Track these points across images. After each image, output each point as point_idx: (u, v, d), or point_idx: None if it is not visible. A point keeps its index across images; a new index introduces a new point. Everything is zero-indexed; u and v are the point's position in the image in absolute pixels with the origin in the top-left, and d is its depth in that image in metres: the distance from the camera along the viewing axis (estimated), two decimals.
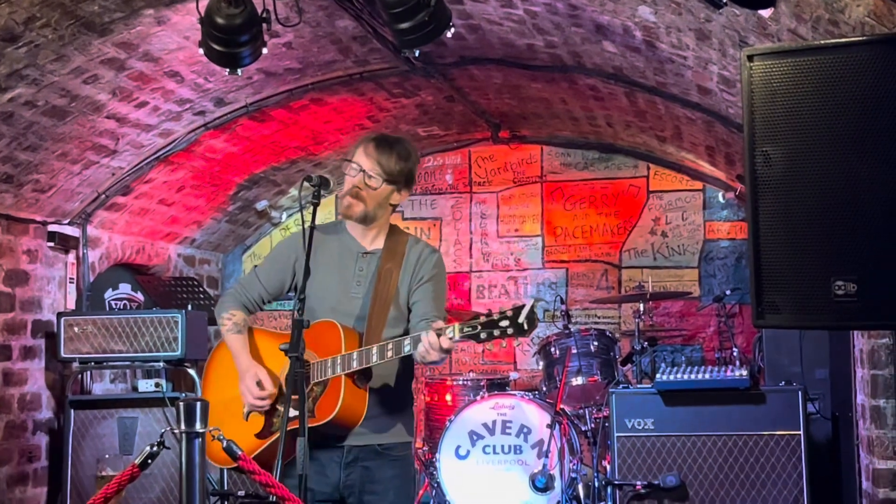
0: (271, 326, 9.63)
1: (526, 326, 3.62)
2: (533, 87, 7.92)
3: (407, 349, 3.82)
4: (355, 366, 3.90)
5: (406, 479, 4.21)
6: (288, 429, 3.78)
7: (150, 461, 3.35)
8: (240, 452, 3.34)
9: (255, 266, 4.52)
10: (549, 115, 8.88)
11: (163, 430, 3.34)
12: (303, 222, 3.93)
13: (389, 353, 3.85)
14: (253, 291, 4.35)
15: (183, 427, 3.20)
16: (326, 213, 9.68)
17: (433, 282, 4.18)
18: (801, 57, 3.16)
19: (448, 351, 3.73)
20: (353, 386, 3.95)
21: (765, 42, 5.05)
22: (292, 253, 4.28)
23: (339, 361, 3.92)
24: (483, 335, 3.65)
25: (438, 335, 3.70)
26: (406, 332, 4.12)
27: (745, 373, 6.24)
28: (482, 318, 3.66)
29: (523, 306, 3.62)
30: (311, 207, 3.94)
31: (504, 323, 3.64)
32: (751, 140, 3.22)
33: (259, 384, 4.10)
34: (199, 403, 3.21)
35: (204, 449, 3.22)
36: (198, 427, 3.20)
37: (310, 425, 3.77)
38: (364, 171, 4.09)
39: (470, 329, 3.67)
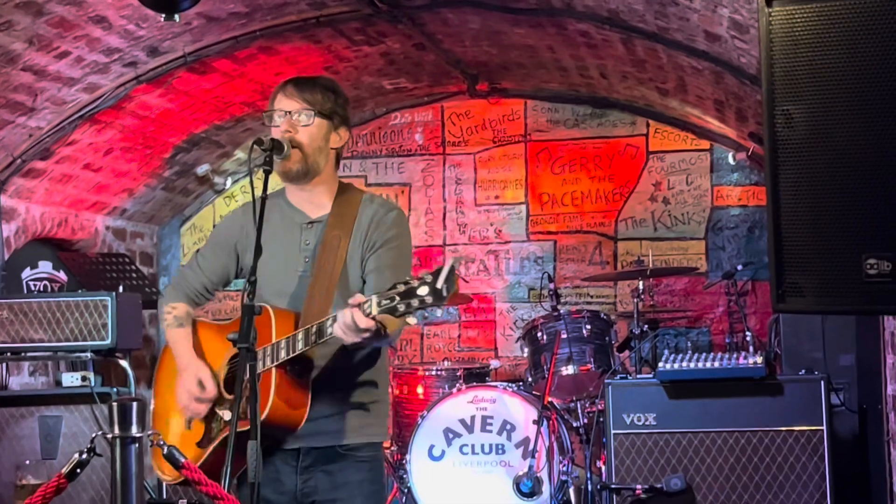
0: (214, 309, 9.62)
1: (445, 292, 3.40)
2: (516, 34, 7.89)
3: (329, 331, 3.67)
4: (283, 355, 3.79)
5: (376, 484, 4.13)
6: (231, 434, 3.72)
7: (78, 470, 3.32)
8: (183, 460, 3.32)
9: (198, 250, 4.46)
10: (535, 66, 8.86)
11: (93, 434, 3.31)
12: (252, 192, 3.86)
13: (314, 338, 3.72)
14: (195, 280, 4.29)
15: (116, 431, 3.16)
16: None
17: (389, 247, 4.03)
18: (829, 2, 3.15)
19: (366, 331, 3.55)
20: (287, 378, 3.85)
21: None
22: (232, 234, 4.21)
23: (268, 352, 3.82)
24: (401, 307, 3.46)
25: (358, 308, 3.53)
26: None
27: (759, 360, 6.26)
28: (400, 287, 3.48)
29: (442, 268, 3.44)
30: (263, 174, 3.89)
31: (423, 290, 3.43)
32: (770, 97, 3.21)
33: (200, 384, 4.02)
34: (134, 403, 3.17)
35: (142, 456, 3.19)
36: (134, 431, 3.17)
37: (240, 429, 3.70)
38: (289, 112, 4.02)
39: (388, 301, 3.47)
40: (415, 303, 3.45)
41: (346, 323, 3.55)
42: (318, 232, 4.08)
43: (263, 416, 3.76)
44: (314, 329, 3.73)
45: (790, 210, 3.21)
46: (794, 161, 3.19)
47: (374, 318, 3.53)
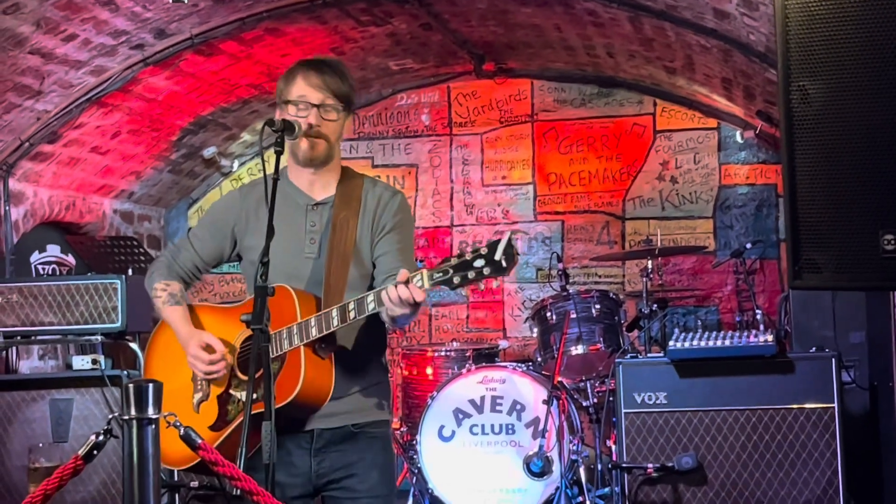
0: (223, 291, 9.61)
1: (504, 263, 3.50)
2: (523, 13, 7.87)
3: (371, 307, 3.72)
4: (314, 333, 3.82)
5: (388, 459, 4.19)
6: (246, 414, 3.74)
7: (95, 452, 3.31)
8: (199, 441, 3.31)
9: (190, 229, 4.47)
10: (541, 45, 8.83)
11: (110, 416, 3.30)
12: (264, 172, 3.87)
13: (352, 314, 3.76)
14: (187, 261, 4.30)
15: (133, 412, 3.15)
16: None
17: (398, 230, 4.10)
18: None
19: (418, 304, 3.64)
20: (314, 357, 3.88)
21: None
22: (230, 216, 4.22)
23: (295, 331, 3.84)
24: (457, 279, 3.55)
25: (406, 284, 3.61)
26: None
27: (770, 338, 6.25)
28: (453, 260, 3.57)
29: (499, 241, 3.53)
30: (274, 156, 3.89)
31: (479, 262, 3.53)
32: (785, 73, 3.20)
33: (207, 348, 4.04)
34: (150, 385, 3.17)
35: (157, 438, 3.18)
36: (150, 412, 3.16)
37: (257, 411, 3.69)
38: (315, 105, 4.02)
39: (441, 275, 3.57)
40: (471, 274, 3.54)
41: (400, 294, 3.61)
42: (324, 214, 4.11)
43: (293, 395, 3.81)
44: (352, 306, 3.77)
45: (806, 186, 3.20)
46: (811, 137, 3.18)
47: (423, 290, 3.62)
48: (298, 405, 3.86)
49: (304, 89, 4.03)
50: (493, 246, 3.53)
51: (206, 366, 4.05)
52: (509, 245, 3.51)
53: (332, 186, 4.15)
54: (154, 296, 4.28)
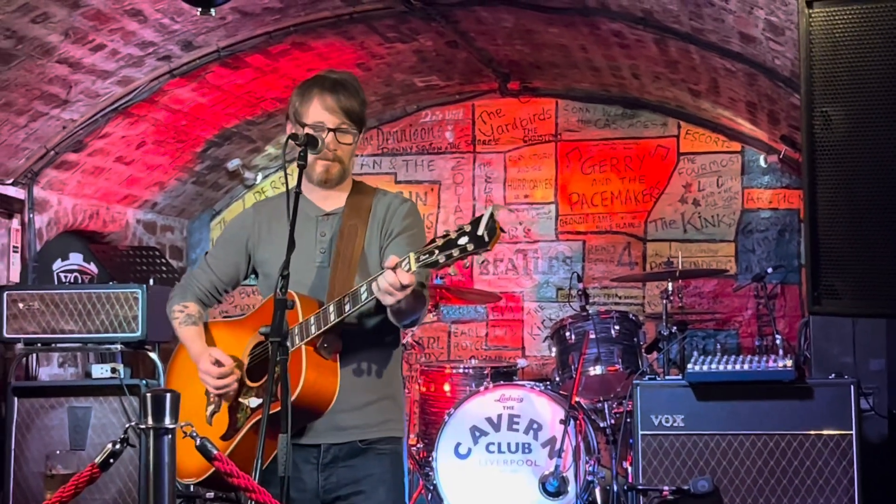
0: (243, 304, 9.64)
1: (487, 238, 3.45)
2: (549, 33, 7.88)
3: (364, 296, 3.73)
4: (314, 331, 3.83)
5: (398, 476, 4.17)
6: (255, 421, 3.74)
7: (112, 461, 3.33)
8: (215, 451, 3.32)
9: (207, 252, 4.51)
10: (567, 65, 8.84)
11: (127, 425, 3.31)
12: (286, 186, 3.91)
13: (347, 307, 3.77)
14: (204, 281, 4.32)
15: (150, 422, 3.16)
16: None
17: (406, 234, 4.09)
18: (871, 3, 3.14)
19: (407, 287, 3.61)
20: (316, 357, 3.88)
21: None
22: (244, 232, 4.25)
23: (296, 331, 3.85)
24: (442, 259, 3.53)
25: (395, 270, 3.60)
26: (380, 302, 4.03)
27: (789, 363, 6.23)
28: (439, 241, 3.54)
29: (482, 216, 3.49)
30: (298, 170, 3.92)
31: (462, 240, 3.49)
32: (809, 99, 3.21)
33: (217, 363, 4.06)
34: (168, 395, 3.18)
35: (174, 448, 3.19)
36: (167, 422, 3.17)
37: (272, 411, 3.68)
38: (332, 129, 4.02)
39: (427, 255, 3.56)
40: (455, 252, 3.51)
41: (390, 282, 3.59)
42: (333, 223, 4.13)
43: (294, 396, 3.78)
44: (347, 298, 3.78)
45: (827, 212, 3.20)
46: (833, 163, 3.18)
47: (412, 274, 3.60)
48: (301, 407, 3.83)
49: (320, 114, 4.04)
50: (476, 222, 3.50)
51: (215, 380, 4.07)
52: (491, 219, 3.47)
53: (344, 198, 4.18)
54: (172, 318, 4.33)
